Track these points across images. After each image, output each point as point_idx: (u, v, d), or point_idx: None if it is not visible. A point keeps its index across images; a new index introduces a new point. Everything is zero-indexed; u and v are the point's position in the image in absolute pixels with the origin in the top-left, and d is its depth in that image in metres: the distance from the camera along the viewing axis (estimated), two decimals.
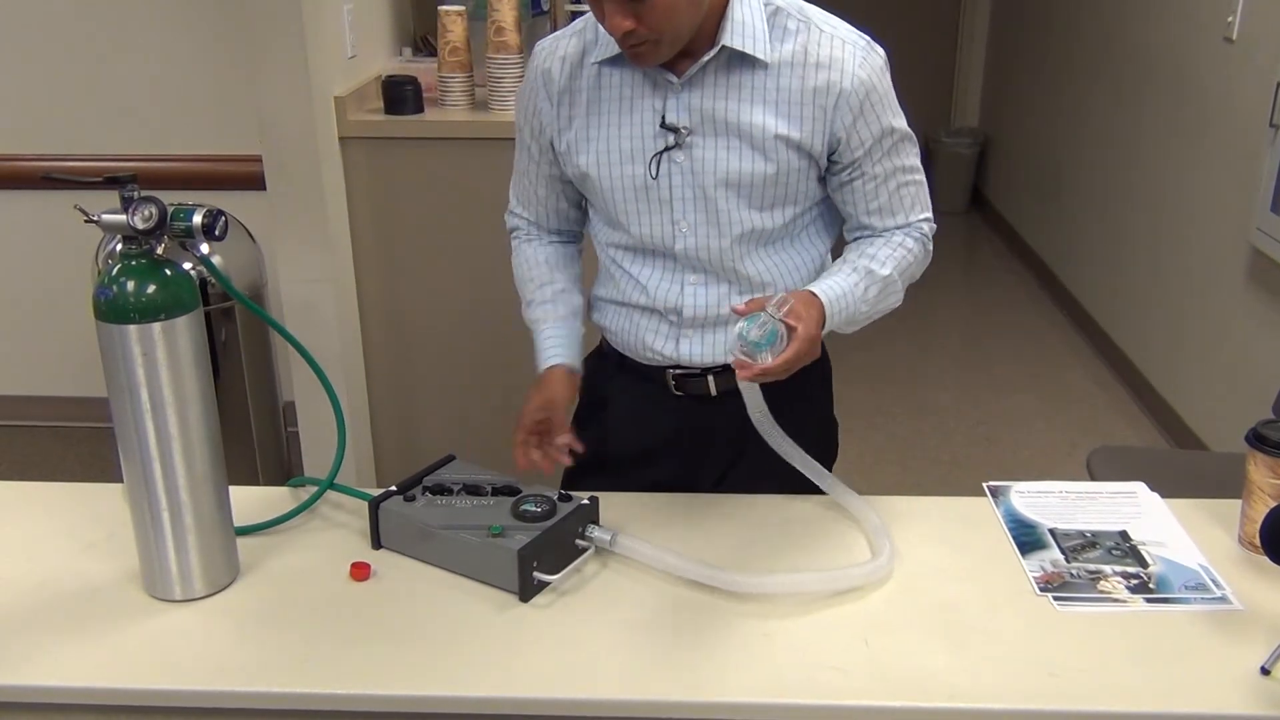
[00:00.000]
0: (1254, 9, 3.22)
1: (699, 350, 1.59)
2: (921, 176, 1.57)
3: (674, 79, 1.47)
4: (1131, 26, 4.23)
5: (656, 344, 1.60)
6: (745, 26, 1.44)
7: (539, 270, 1.68)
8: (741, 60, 1.45)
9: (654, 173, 1.50)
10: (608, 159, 1.52)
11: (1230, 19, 3.32)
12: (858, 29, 1.50)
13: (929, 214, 1.59)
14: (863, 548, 1.44)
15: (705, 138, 1.48)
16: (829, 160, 1.51)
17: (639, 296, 1.59)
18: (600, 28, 1.50)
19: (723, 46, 1.44)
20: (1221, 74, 3.41)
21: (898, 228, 1.56)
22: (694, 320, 1.58)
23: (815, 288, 1.45)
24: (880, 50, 1.49)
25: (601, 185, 1.54)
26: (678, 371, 1.63)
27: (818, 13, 1.49)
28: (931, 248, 1.59)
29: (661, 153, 1.49)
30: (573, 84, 1.54)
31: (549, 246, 1.71)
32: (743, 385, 1.47)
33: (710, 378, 1.62)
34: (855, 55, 1.46)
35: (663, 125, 1.48)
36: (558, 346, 1.62)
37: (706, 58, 1.45)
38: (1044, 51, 5.36)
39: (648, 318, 1.60)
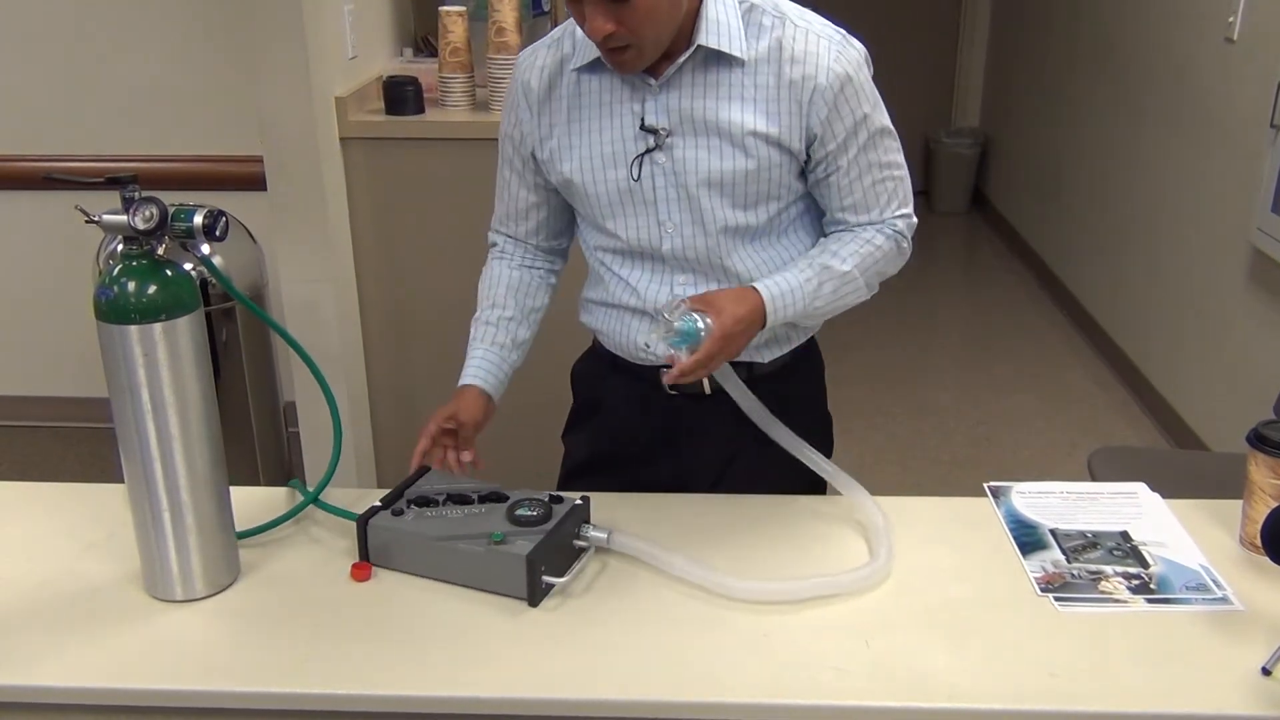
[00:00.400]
0: (1255, 9, 3.22)
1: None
2: (902, 172, 1.57)
3: (652, 81, 1.47)
4: (1132, 27, 4.23)
5: (644, 340, 1.61)
6: (720, 25, 1.44)
7: (496, 291, 1.69)
8: (718, 59, 1.46)
9: (635, 175, 1.50)
10: (590, 164, 1.53)
11: (1231, 19, 3.32)
12: (836, 24, 1.50)
13: (907, 210, 1.58)
14: (854, 547, 1.43)
15: (685, 138, 1.48)
16: (808, 156, 1.51)
17: (629, 298, 1.59)
18: (577, 35, 1.51)
19: (698, 46, 1.44)
20: (1222, 74, 3.41)
21: (871, 223, 1.55)
22: None
23: (759, 283, 1.48)
24: (857, 44, 1.49)
25: (586, 191, 1.54)
26: None
27: (793, 8, 1.49)
28: (908, 245, 1.58)
29: (642, 155, 1.50)
30: (552, 93, 1.54)
31: (519, 270, 1.71)
32: (725, 385, 1.51)
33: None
34: (831, 49, 1.46)
35: (642, 128, 1.49)
36: (479, 369, 1.64)
37: (683, 58, 1.45)
38: (1044, 52, 5.36)
39: (638, 319, 1.60)
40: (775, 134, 1.47)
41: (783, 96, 1.46)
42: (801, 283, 1.49)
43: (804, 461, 1.51)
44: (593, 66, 1.50)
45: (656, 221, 1.53)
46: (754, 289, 1.48)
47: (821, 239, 1.58)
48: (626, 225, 1.55)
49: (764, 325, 1.48)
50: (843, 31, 1.49)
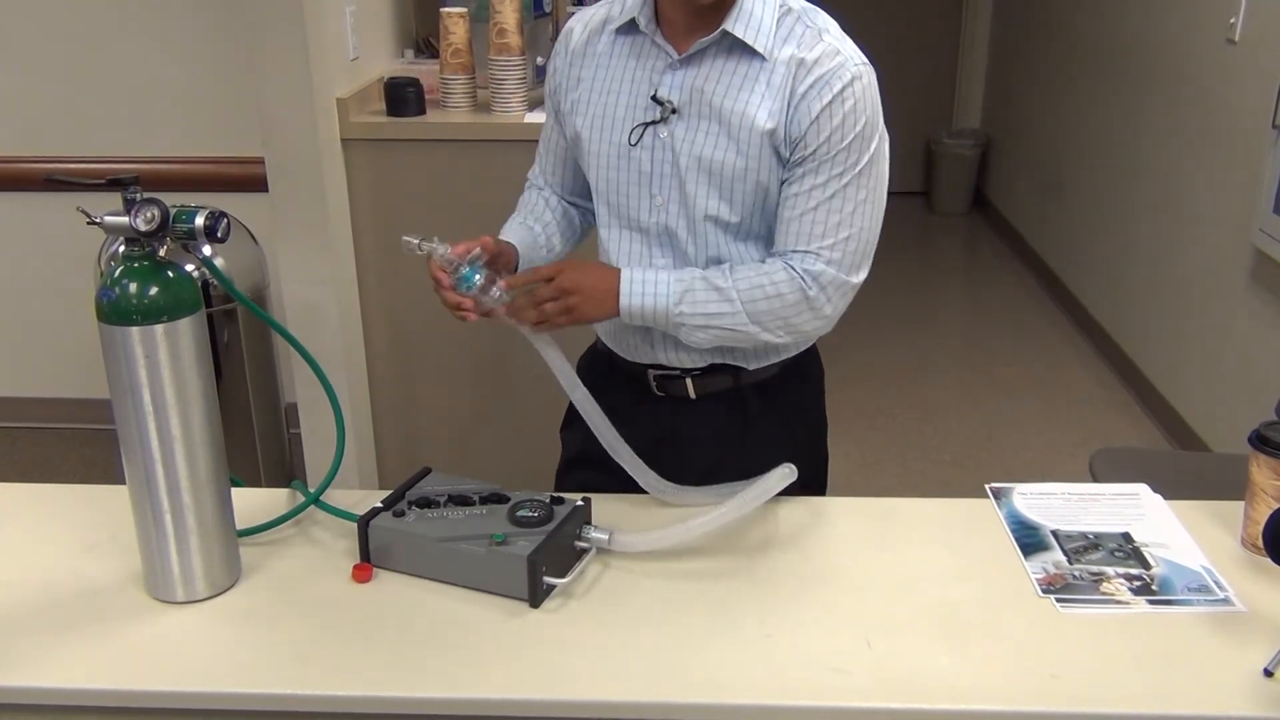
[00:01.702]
0: (1256, 10, 3.22)
1: (673, 351, 1.60)
2: (849, 216, 1.47)
3: (674, 55, 1.50)
4: (1133, 27, 4.23)
5: (634, 339, 1.62)
6: (752, 18, 1.46)
7: (534, 209, 1.71)
8: (742, 50, 1.48)
9: (632, 140, 1.53)
10: (600, 123, 1.55)
11: (1232, 20, 3.32)
12: (865, 53, 1.49)
13: (833, 256, 1.47)
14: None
15: (689, 119, 1.50)
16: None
17: None
18: (627, 1, 1.53)
19: (724, 32, 1.46)
20: (1223, 75, 3.41)
21: (787, 253, 1.50)
22: None
23: (625, 266, 1.53)
24: (874, 76, 1.48)
25: (590, 149, 1.57)
26: (658, 372, 1.63)
27: (830, 23, 1.50)
28: (818, 295, 1.48)
29: (646, 125, 1.51)
30: (588, 48, 1.58)
31: (558, 202, 1.73)
32: (543, 354, 1.53)
33: (689, 380, 1.63)
34: (845, 68, 1.45)
35: (653, 98, 1.51)
36: (506, 233, 1.66)
37: (708, 39, 1.47)
38: (1046, 53, 5.36)
39: None
40: (773, 129, 1.47)
41: (789, 97, 1.47)
42: (670, 280, 1.50)
43: (616, 459, 1.52)
44: (627, 29, 1.53)
45: (649, 193, 1.55)
46: (617, 269, 1.52)
47: None
48: (619, 190, 1.57)
49: (616, 305, 1.50)
50: (867, 59, 1.48)
